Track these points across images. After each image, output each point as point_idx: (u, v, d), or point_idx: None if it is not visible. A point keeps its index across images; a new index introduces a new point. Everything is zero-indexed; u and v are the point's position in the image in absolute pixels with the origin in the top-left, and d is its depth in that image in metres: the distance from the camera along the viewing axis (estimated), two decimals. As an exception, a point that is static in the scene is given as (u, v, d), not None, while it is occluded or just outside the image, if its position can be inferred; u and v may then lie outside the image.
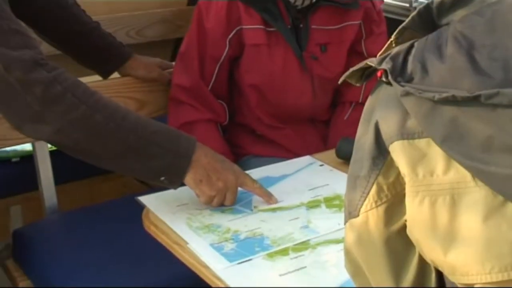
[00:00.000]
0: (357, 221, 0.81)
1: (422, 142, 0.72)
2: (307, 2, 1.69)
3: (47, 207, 1.78)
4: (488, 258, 0.68)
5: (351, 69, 0.79)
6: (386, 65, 0.73)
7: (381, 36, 1.86)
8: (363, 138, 0.78)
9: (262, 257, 1.17)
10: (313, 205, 1.35)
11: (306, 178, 1.47)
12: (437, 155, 0.71)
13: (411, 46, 0.74)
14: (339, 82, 0.83)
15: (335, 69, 1.78)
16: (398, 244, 0.80)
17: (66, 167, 1.83)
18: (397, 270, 0.81)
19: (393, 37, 0.78)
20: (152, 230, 1.29)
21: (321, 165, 1.54)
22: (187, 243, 1.21)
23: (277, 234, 1.24)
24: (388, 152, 0.75)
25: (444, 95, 0.67)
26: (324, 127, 1.90)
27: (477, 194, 0.69)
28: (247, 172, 1.40)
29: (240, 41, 1.71)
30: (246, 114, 1.80)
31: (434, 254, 0.74)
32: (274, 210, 1.34)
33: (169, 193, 1.36)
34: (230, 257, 1.16)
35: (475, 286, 0.71)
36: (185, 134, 1.36)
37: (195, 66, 1.72)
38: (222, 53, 1.71)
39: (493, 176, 0.66)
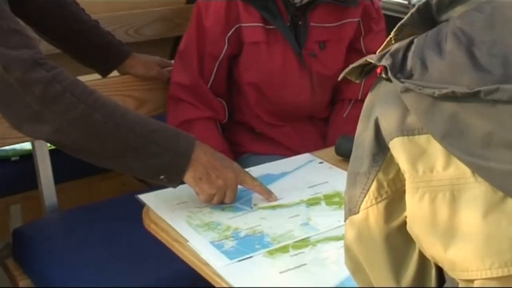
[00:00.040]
0: (357, 217, 0.81)
1: (422, 138, 0.72)
2: (306, 0, 1.69)
3: (47, 206, 1.78)
4: (488, 254, 0.69)
5: (350, 66, 0.79)
6: (385, 62, 0.73)
7: (380, 33, 1.86)
8: (363, 135, 0.78)
9: (263, 254, 1.17)
10: (313, 202, 1.35)
11: (305, 175, 1.47)
12: (437, 151, 0.71)
13: (411, 42, 0.74)
14: (339, 79, 0.83)
15: (334, 67, 1.78)
16: (398, 241, 0.80)
17: (65, 166, 1.83)
18: (397, 266, 0.81)
19: (392, 33, 0.78)
20: (152, 228, 1.29)
21: (320, 163, 1.54)
22: (187, 241, 1.21)
23: (277, 231, 1.24)
24: (388, 149, 0.75)
25: (444, 91, 0.67)
26: (323, 125, 1.90)
27: (477, 190, 0.69)
28: (246, 170, 1.41)
29: (239, 39, 1.71)
30: (245, 112, 1.80)
31: (434, 250, 0.74)
32: (274, 207, 1.34)
33: (169, 191, 1.36)
34: (230, 254, 1.16)
35: (475, 281, 0.71)
36: (184, 132, 1.36)
37: (194, 64, 1.72)
38: (221, 51, 1.71)
39: (493, 172, 0.67)
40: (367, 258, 0.83)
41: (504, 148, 0.65)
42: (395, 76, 0.72)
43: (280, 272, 1.12)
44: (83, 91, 1.27)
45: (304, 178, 1.46)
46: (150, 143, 1.28)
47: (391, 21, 1.82)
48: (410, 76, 0.71)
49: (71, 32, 1.71)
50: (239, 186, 1.36)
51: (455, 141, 0.68)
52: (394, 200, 0.78)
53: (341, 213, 1.18)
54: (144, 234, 1.32)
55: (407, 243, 0.80)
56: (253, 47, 1.70)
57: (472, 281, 0.72)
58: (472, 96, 0.66)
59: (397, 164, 0.75)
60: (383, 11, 1.91)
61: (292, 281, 1.09)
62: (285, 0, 1.69)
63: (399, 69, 0.72)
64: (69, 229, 1.76)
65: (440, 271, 0.80)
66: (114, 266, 1.55)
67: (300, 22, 1.73)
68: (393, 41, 0.78)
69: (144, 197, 1.37)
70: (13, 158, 2.06)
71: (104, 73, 1.79)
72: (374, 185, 0.78)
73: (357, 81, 0.81)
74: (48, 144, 1.71)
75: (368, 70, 0.79)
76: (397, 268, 0.81)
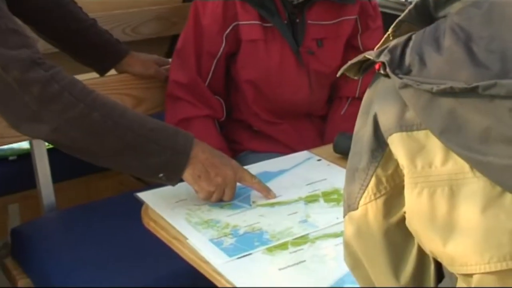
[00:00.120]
0: (356, 213, 0.81)
1: (420, 134, 0.72)
2: (303, -3, 1.70)
3: (45, 205, 1.78)
4: (487, 248, 0.69)
5: (349, 62, 0.79)
6: (384, 58, 0.73)
7: (377, 31, 1.87)
8: (362, 131, 0.78)
9: (262, 251, 1.17)
10: (311, 199, 1.35)
11: (304, 173, 1.48)
12: (435, 146, 0.71)
13: (409, 38, 0.75)
14: (338, 75, 0.83)
15: (331, 64, 1.79)
16: (397, 236, 0.80)
17: (63, 165, 1.83)
18: (396, 262, 0.81)
19: (390, 30, 0.79)
20: (151, 226, 1.29)
21: (318, 160, 1.54)
22: (186, 238, 1.21)
23: (276, 228, 1.24)
24: (386, 144, 0.75)
25: (442, 86, 0.67)
26: (321, 122, 1.90)
27: (475, 185, 0.69)
28: (245, 167, 1.41)
29: (236, 37, 1.71)
30: (243, 110, 1.81)
31: (433, 245, 0.74)
32: (272, 205, 1.34)
33: (168, 189, 1.36)
34: (229, 252, 1.16)
35: (474, 276, 0.72)
36: (183, 130, 1.36)
37: (192, 63, 1.72)
38: (218, 49, 1.72)
39: (491, 166, 0.67)
40: (366, 254, 0.83)
41: (502, 143, 0.66)
42: (393, 72, 0.72)
43: (280, 269, 1.12)
44: (81, 91, 1.28)
45: (303, 175, 1.46)
46: (149, 141, 1.29)
47: (388, 19, 1.82)
48: (408, 72, 0.71)
49: (69, 31, 1.71)
50: (238, 184, 1.36)
51: (453, 136, 0.69)
52: (393, 196, 0.78)
53: (339, 210, 1.18)
54: (142, 232, 1.32)
55: (406, 239, 0.80)
56: (250, 45, 1.71)
57: (471, 275, 0.72)
58: (470, 92, 0.66)
59: (396, 160, 0.75)
60: (380, 9, 1.92)
61: (292, 278, 1.10)
62: (283, -3, 1.70)
63: (398, 65, 0.72)
64: (68, 228, 1.76)
65: (439, 266, 0.81)
66: (113, 265, 1.55)
67: (297, 20, 1.73)
68: (391, 38, 0.79)
69: (143, 195, 1.37)
70: (10, 158, 2.06)
71: (102, 71, 1.79)
72: (373, 181, 0.78)
73: (356, 78, 0.81)
74: (46, 143, 1.71)
75: (366, 66, 0.79)
76: (396, 264, 0.81)
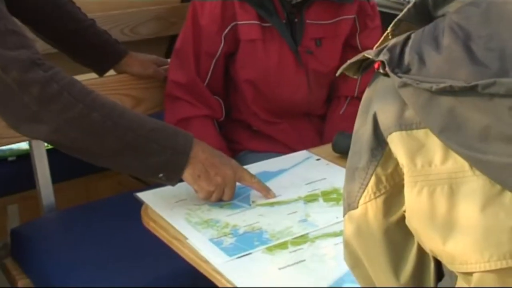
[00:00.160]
0: (356, 212, 0.81)
1: (420, 133, 0.72)
2: (301, -3, 1.70)
3: (45, 205, 1.78)
4: (487, 247, 0.69)
5: (348, 61, 0.79)
6: (383, 57, 0.73)
7: (375, 30, 1.87)
8: (361, 130, 0.79)
9: (262, 251, 1.17)
10: (310, 199, 1.36)
11: (303, 172, 1.48)
12: (435, 145, 0.71)
13: (408, 37, 0.75)
14: (337, 75, 0.83)
15: (330, 63, 1.79)
16: (397, 235, 0.80)
17: (62, 166, 1.83)
18: (396, 260, 0.81)
19: (389, 29, 0.79)
20: (151, 226, 1.29)
21: (317, 160, 1.54)
22: (186, 238, 1.21)
23: (276, 228, 1.24)
24: (386, 143, 0.75)
25: (442, 85, 0.67)
26: (320, 122, 1.90)
27: (475, 184, 0.70)
28: (244, 167, 1.41)
29: (235, 37, 1.71)
30: (242, 109, 1.81)
31: (433, 243, 0.74)
32: (272, 204, 1.34)
33: (167, 189, 1.37)
34: (229, 251, 1.17)
35: (474, 274, 0.72)
36: (182, 130, 1.36)
37: (191, 63, 1.73)
38: (217, 49, 1.72)
39: (491, 165, 0.67)
40: (366, 253, 0.83)
41: (501, 141, 0.66)
42: (392, 71, 0.72)
43: (279, 268, 1.12)
44: (80, 91, 1.28)
45: (302, 175, 1.46)
46: (148, 141, 1.29)
47: (386, 18, 1.83)
48: (407, 71, 0.71)
49: (68, 31, 1.71)
50: (237, 184, 1.36)
51: (452, 135, 0.69)
52: (393, 195, 0.78)
53: (338, 209, 1.19)
54: (142, 232, 1.32)
55: (406, 238, 0.80)
56: (249, 44, 1.71)
57: (471, 274, 0.72)
58: (470, 90, 0.66)
59: (396, 159, 0.75)
60: (378, 8, 1.92)
61: (291, 277, 1.10)
62: (281, -3, 1.70)
63: (397, 64, 0.72)
64: (67, 228, 1.76)
65: (438, 265, 0.81)
66: (113, 265, 1.55)
67: (296, 20, 1.73)
68: (390, 37, 0.79)
69: (142, 195, 1.38)
70: (10, 158, 2.06)
71: (101, 72, 1.79)
72: (372, 180, 0.78)
73: (355, 77, 0.81)
74: (46, 144, 1.71)
75: (365, 65, 0.79)
76: (396, 263, 0.82)
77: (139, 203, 1.36)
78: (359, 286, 0.89)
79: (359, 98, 1.85)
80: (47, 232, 1.74)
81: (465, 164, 0.70)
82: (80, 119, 1.25)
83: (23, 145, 1.97)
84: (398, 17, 0.78)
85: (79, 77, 1.39)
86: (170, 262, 1.34)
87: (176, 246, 1.21)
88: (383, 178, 0.77)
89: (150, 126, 1.31)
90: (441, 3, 0.75)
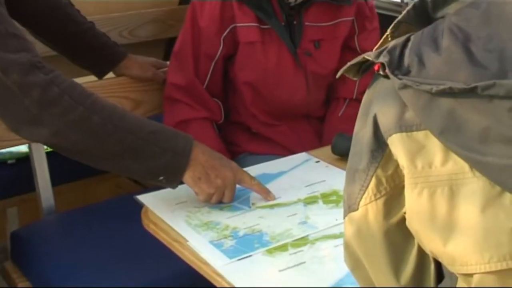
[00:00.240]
0: (356, 214, 0.81)
1: (420, 134, 0.72)
2: (300, -1, 1.70)
3: (44, 208, 1.78)
4: (487, 248, 0.69)
5: (348, 63, 0.79)
6: (383, 59, 0.73)
7: (373, 32, 1.87)
8: (362, 132, 0.79)
9: (262, 253, 1.17)
10: (310, 201, 1.36)
11: (302, 174, 1.48)
12: (435, 146, 0.71)
13: (408, 39, 0.75)
14: (337, 76, 0.83)
15: (329, 65, 1.79)
16: (397, 237, 0.80)
17: (61, 168, 1.83)
18: (397, 262, 0.82)
19: (389, 31, 0.79)
20: (151, 228, 1.29)
21: (317, 162, 1.54)
22: (186, 240, 1.21)
23: (276, 230, 1.24)
24: (386, 145, 0.75)
25: (442, 87, 0.68)
26: (319, 124, 1.90)
27: (475, 185, 0.70)
28: (244, 169, 1.41)
29: (234, 39, 1.71)
30: (241, 112, 1.81)
31: (433, 245, 0.74)
32: (272, 206, 1.34)
33: (167, 191, 1.37)
34: (229, 253, 1.17)
35: (474, 275, 0.72)
36: (182, 133, 1.36)
37: (190, 65, 1.73)
38: (216, 52, 1.72)
39: (490, 166, 0.67)
40: (367, 254, 0.83)
41: (501, 143, 0.66)
42: (392, 73, 0.72)
43: (280, 270, 1.12)
44: (81, 94, 1.28)
45: (301, 177, 1.46)
46: (149, 144, 1.29)
47: (384, 20, 1.84)
48: (407, 73, 0.71)
49: (67, 34, 1.71)
50: (237, 186, 1.36)
51: (452, 136, 0.69)
52: (393, 196, 0.78)
53: (338, 211, 1.19)
54: (142, 234, 1.32)
55: (406, 239, 0.80)
56: (248, 47, 1.71)
57: (471, 275, 0.72)
58: (469, 92, 0.66)
59: (396, 160, 0.75)
60: (376, 10, 1.92)
61: (292, 279, 1.10)
62: (280, -1, 1.70)
63: (397, 66, 0.73)
64: (67, 231, 1.76)
65: (439, 266, 0.81)
66: (113, 267, 1.55)
67: (294, 22, 1.73)
68: (389, 38, 0.79)
69: (142, 198, 1.37)
70: (9, 161, 2.06)
71: (100, 74, 1.79)
72: (373, 182, 0.78)
73: (355, 79, 0.82)
74: (45, 146, 1.71)
75: (365, 67, 0.79)
76: (396, 264, 0.82)
77: (139, 206, 1.36)
78: (359, 287, 0.89)
79: (357, 100, 1.86)
80: (46, 235, 1.74)
81: (465, 166, 0.70)
82: (80, 122, 1.25)
83: (23, 148, 1.98)
84: (398, 19, 0.78)
85: (78, 80, 1.39)
86: (170, 264, 1.34)
87: (176, 248, 1.22)
88: (384, 180, 0.78)
89: (150, 129, 1.31)
90: (441, 4, 0.76)
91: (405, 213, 0.78)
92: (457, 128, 0.68)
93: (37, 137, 1.30)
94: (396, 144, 0.74)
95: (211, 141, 1.69)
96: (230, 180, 1.34)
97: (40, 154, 1.74)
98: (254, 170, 1.47)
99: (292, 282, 1.09)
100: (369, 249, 0.83)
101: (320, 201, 1.35)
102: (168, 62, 1.83)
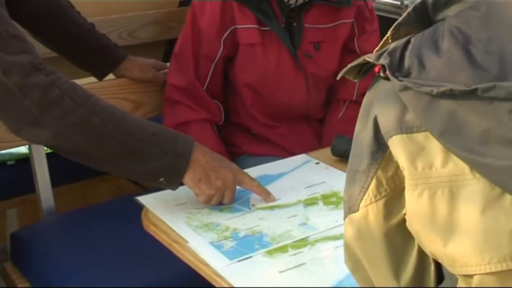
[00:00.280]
0: (356, 215, 0.81)
1: (420, 136, 0.72)
2: (300, 1, 1.70)
3: (44, 209, 1.78)
4: (487, 249, 0.69)
5: (349, 65, 0.80)
6: (384, 61, 0.73)
7: (373, 34, 1.87)
8: (362, 133, 0.79)
9: (262, 254, 1.17)
10: (310, 202, 1.36)
11: (302, 176, 1.48)
12: (435, 148, 0.72)
13: (408, 41, 0.75)
14: (337, 78, 0.83)
15: (328, 67, 1.79)
16: (398, 238, 0.80)
17: (61, 170, 1.83)
18: (397, 263, 0.82)
19: (389, 33, 0.79)
20: (151, 229, 1.29)
21: (317, 163, 1.54)
22: (187, 241, 1.22)
23: (276, 231, 1.25)
24: (387, 146, 0.76)
25: (442, 89, 0.68)
26: (319, 125, 1.91)
27: (475, 186, 0.70)
28: (244, 171, 1.41)
29: (234, 41, 1.72)
30: (241, 113, 1.81)
31: (433, 246, 0.74)
32: (272, 208, 1.34)
33: (168, 192, 1.37)
34: (230, 255, 1.17)
35: (474, 277, 0.72)
36: (183, 134, 1.36)
37: (190, 66, 1.73)
38: (216, 53, 1.72)
39: (491, 168, 0.67)
40: (367, 255, 0.84)
41: (501, 144, 0.66)
42: (393, 75, 0.72)
43: (280, 272, 1.12)
44: (81, 95, 1.28)
45: (301, 178, 1.47)
46: (149, 146, 1.29)
47: (384, 22, 1.84)
48: (408, 75, 0.72)
49: (67, 35, 1.71)
50: (237, 187, 1.37)
51: (453, 138, 0.69)
52: (393, 198, 0.78)
53: (338, 212, 1.19)
54: (142, 235, 1.32)
55: (406, 240, 0.80)
56: (248, 48, 1.71)
57: (471, 276, 0.72)
58: (470, 94, 0.67)
59: (396, 162, 0.76)
60: (376, 12, 1.93)
61: (292, 281, 1.10)
62: (280, 1, 1.70)
63: (397, 67, 0.73)
64: (67, 232, 1.76)
65: (439, 268, 0.81)
66: (113, 268, 1.55)
67: (294, 23, 1.74)
68: (390, 40, 0.79)
69: (143, 199, 1.38)
70: (9, 162, 2.06)
71: (100, 76, 1.80)
72: (373, 183, 0.78)
73: (355, 80, 0.82)
74: (45, 148, 1.71)
75: (366, 69, 0.80)
76: (396, 265, 0.82)
77: (138, 207, 1.36)
78: (359, 288, 0.89)
79: (357, 102, 1.86)
80: (46, 236, 1.74)
81: (465, 167, 0.70)
82: (81, 123, 1.25)
83: (23, 149, 1.98)
84: (398, 21, 0.78)
85: (78, 81, 1.39)
86: (170, 265, 1.34)
87: (176, 249, 1.22)
88: (384, 181, 0.78)
89: (150, 130, 1.31)
90: (441, 7, 0.76)
91: (405, 214, 0.78)
92: (458, 130, 0.68)
93: (37, 139, 1.30)
94: (397, 146, 0.74)
95: (211, 142, 1.69)
96: (230, 182, 1.34)
97: (40, 155, 1.74)
98: (254, 171, 1.47)
99: (292, 283, 1.09)
100: (369, 250, 0.83)
101: (320, 203, 1.36)
102: (168, 64, 1.84)
